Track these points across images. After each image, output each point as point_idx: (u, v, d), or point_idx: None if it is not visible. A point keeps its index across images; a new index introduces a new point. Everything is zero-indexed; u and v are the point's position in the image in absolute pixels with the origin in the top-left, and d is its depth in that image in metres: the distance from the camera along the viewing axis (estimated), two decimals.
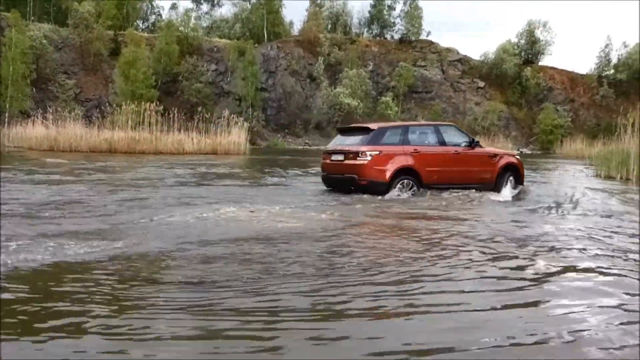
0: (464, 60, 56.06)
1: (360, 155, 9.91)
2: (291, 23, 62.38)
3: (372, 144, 10.06)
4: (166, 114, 30.54)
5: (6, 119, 34.63)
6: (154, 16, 62.06)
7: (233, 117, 31.21)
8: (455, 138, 11.06)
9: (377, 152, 9.95)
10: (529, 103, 54.07)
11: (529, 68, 54.38)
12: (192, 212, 7.24)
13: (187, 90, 45.90)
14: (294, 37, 56.03)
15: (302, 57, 51.54)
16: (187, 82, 46.31)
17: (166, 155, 26.23)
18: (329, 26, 58.32)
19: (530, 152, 47.65)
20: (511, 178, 11.20)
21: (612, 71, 55.69)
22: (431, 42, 56.95)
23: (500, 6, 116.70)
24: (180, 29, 50.37)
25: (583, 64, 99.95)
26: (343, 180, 10.32)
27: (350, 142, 10.57)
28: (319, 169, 19.57)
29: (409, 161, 10.11)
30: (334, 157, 10.52)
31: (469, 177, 10.74)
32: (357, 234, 6.22)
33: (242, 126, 30.82)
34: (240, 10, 58.09)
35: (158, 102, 32.09)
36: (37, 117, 30.01)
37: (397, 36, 58.43)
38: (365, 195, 9.80)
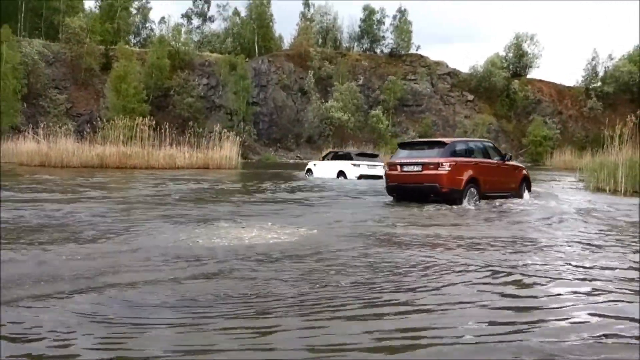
0: (453, 73, 56.69)
1: (440, 165, 10.93)
2: (281, 37, 62.99)
3: (449, 156, 11.19)
4: (158, 129, 30.61)
5: None
6: (145, 31, 62.41)
7: (225, 132, 31.30)
8: (494, 153, 12.66)
9: (454, 163, 11.06)
10: (518, 115, 54.67)
11: (517, 81, 55.10)
12: (185, 229, 7.33)
13: (179, 105, 46.07)
14: (285, 51, 56.46)
15: (293, 71, 51.91)
16: (178, 96, 46.50)
17: (158, 170, 26.23)
18: (320, 40, 58.86)
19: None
20: (525, 186, 13.22)
21: (599, 83, 56.51)
22: (421, 56, 57.59)
23: (490, 15, 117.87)
24: (171, 43, 50.63)
25: (570, 76, 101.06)
26: (422, 189, 11.23)
27: (425, 155, 11.54)
28: (305, 182, 19.78)
29: (474, 172, 11.39)
30: (408, 168, 11.48)
31: (506, 186, 12.43)
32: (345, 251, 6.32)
33: (234, 140, 30.90)
34: (231, 25, 58.56)
35: (150, 117, 32.17)
36: (28, 133, 29.96)
37: (387, 50, 59.06)
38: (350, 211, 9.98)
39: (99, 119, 36.68)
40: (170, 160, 28.49)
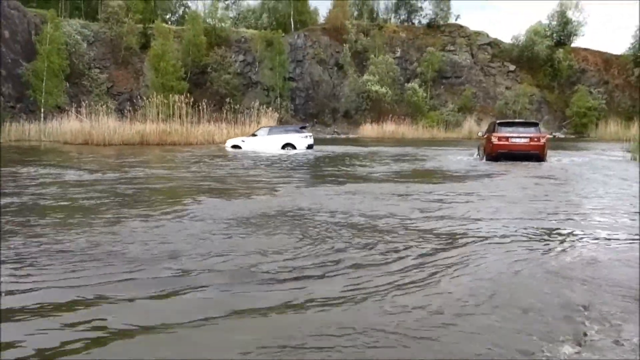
0: (493, 43, 55.03)
1: (541, 139, 16.47)
2: (317, 11, 62.43)
3: (541, 132, 17.14)
4: (196, 106, 30.97)
5: (42, 114, 35.62)
6: (182, 8, 62.67)
7: (262, 107, 31.43)
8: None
9: (545, 137, 16.94)
10: (562, 86, 52.81)
11: (561, 50, 53.01)
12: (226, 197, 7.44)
13: (216, 82, 46.37)
14: (321, 25, 55.92)
15: (329, 45, 51.45)
16: (215, 73, 46.77)
17: (197, 146, 26.60)
18: (355, 13, 57.99)
19: (563, 135, 46.71)
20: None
21: None
22: (460, 26, 56.06)
23: None
24: (207, 20, 50.79)
25: (618, 44, 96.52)
26: (528, 155, 16.34)
27: (528, 130, 16.78)
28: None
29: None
30: (515, 140, 16.39)
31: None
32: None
33: (271, 116, 31.03)
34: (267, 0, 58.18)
35: (188, 94, 32.54)
36: (72, 112, 30.73)
37: (425, 21, 57.68)
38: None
39: (139, 97, 37.26)
40: (208, 136, 28.85)
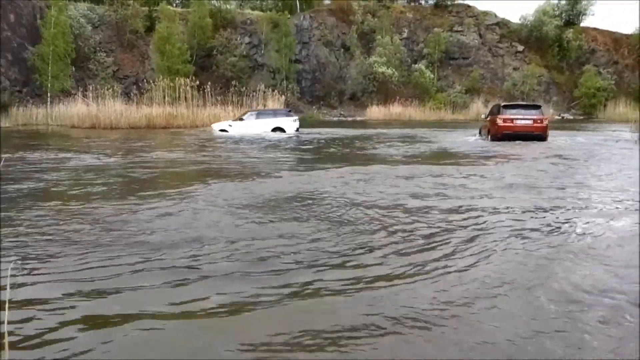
0: (502, 23, 54.33)
1: (543, 120, 17.64)
2: None
3: (544, 114, 18.20)
4: (201, 89, 30.85)
5: (48, 98, 35.57)
6: None
7: (268, 90, 31.28)
8: None
9: (547, 119, 18.18)
10: (570, 66, 52.19)
11: (570, 30, 52.28)
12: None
13: (222, 65, 46.04)
14: (327, 6, 55.28)
15: (335, 26, 50.93)
16: (221, 56, 46.43)
17: (203, 129, 26.53)
18: None
19: (572, 117, 46.32)
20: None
21: None
22: (468, 6, 55.29)
23: None
24: (212, 2, 50.32)
25: (628, 24, 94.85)
26: (532, 135, 17.29)
27: (531, 113, 17.82)
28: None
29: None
30: (520, 122, 17.42)
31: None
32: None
33: (278, 99, 30.92)
34: None
35: (194, 77, 32.37)
36: (78, 96, 30.69)
37: (432, 1, 56.89)
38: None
39: (145, 80, 37.10)
40: (214, 119, 28.79)
